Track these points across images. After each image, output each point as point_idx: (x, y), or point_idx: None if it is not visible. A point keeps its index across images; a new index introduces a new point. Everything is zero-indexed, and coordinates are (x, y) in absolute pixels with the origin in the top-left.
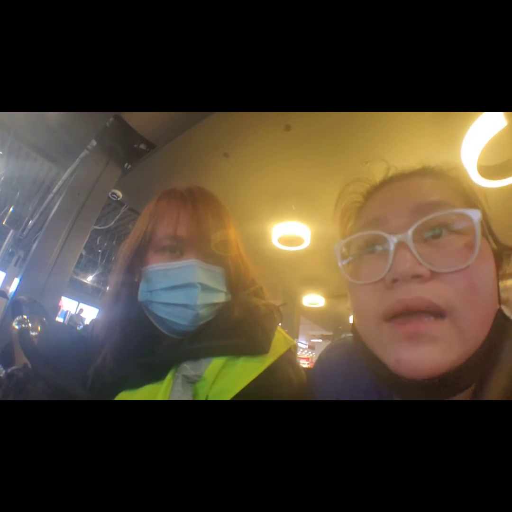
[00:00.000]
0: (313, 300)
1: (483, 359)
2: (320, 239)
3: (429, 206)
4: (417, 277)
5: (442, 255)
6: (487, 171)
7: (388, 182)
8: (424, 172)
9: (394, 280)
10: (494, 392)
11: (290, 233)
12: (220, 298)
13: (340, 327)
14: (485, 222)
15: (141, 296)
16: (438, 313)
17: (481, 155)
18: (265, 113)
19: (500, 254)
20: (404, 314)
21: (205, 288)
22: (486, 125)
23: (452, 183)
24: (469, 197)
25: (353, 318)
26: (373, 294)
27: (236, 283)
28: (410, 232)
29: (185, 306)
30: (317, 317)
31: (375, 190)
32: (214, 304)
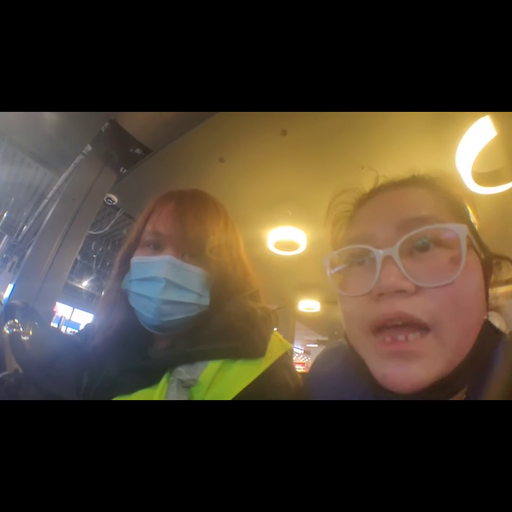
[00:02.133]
0: (308, 305)
1: (468, 369)
2: (316, 244)
3: (416, 221)
4: (401, 292)
5: (428, 269)
6: (482, 178)
7: (377, 192)
8: (414, 182)
9: (380, 294)
10: (488, 397)
11: (286, 238)
12: (191, 298)
13: (336, 333)
14: (473, 233)
15: (123, 284)
16: (421, 327)
17: (476, 161)
18: (262, 118)
19: (488, 263)
20: (389, 327)
21: (172, 284)
22: (481, 132)
23: (441, 194)
24: (458, 208)
25: (344, 327)
26: (361, 306)
27: (225, 286)
28: (396, 247)
29: (148, 298)
30: (312, 322)
31: (365, 199)
32: (183, 304)
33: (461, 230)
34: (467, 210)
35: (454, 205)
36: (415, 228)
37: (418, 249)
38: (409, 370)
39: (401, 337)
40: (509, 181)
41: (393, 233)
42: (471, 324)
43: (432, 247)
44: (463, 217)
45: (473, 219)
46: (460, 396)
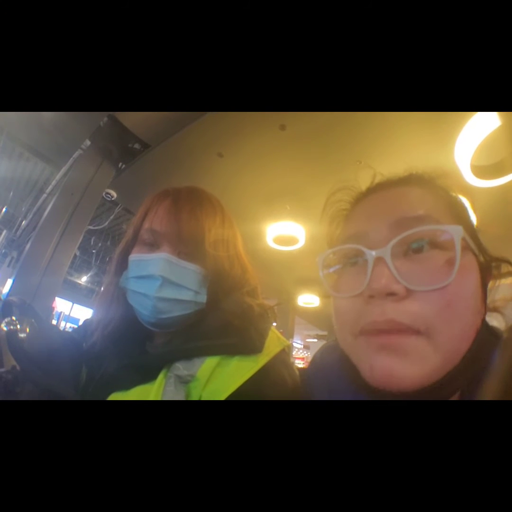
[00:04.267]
0: (308, 299)
1: (462, 374)
2: (314, 239)
3: (411, 220)
4: (392, 295)
5: (421, 271)
6: (481, 171)
7: (373, 190)
8: (412, 181)
9: (371, 296)
10: (484, 395)
11: (284, 233)
12: (188, 296)
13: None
14: (471, 235)
15: (121, 281)
16: (412, 333)
17: (475, 155)
18: (260, 113)
19: (487, 266)
20: (379, 329)
21: (169, 282)
22: (479, 125)
23: (441, 193)
24: (457, 209)
25: (334, 326)
26: (352, 308)
27: (222, 283)
28: (388, 247)
29: (144, 295)
30: (312, 316)
31: (361, 198)
32: (179, 301)
33: (456, 231)
34: (467, 211)
35: (453, 205)
36: (410, 228)
37: (413, 250)
38: (397, 363)
39: (391, 335)
40: (510, 172)
41: (387, 233)
42: (466, 329)
43: (427, 248)
44: (462, 218)
45: (473, 219)
46: (454, 397)
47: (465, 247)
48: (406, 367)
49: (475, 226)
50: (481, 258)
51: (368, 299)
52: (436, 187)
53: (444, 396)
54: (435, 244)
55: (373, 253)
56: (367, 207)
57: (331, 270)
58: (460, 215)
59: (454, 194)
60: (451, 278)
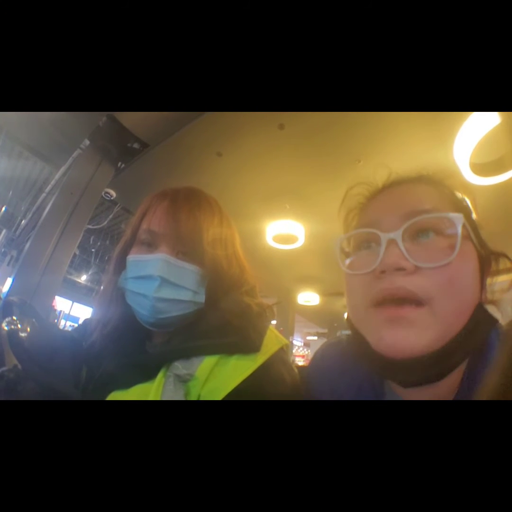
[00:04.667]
0: (308, 298)
1: (460, 346)
2: (314, 237)
3: (419, 213)
4: (401, 269)
5: (427, 253)
6: (480, 169)
7: (388, 187)
8: (422, 179)
9: (382, 271)
10: (486, 392)
11: (284, 231)
12: (186, 296)
13: (335, 325)
14: (472, 228)
15: (119, 282)
16: (417, 302)
17: (474, 152)
18: (259, 112)
19: (487, 259)
20: (388, 300)
21: (167, 282)
22: (478, 123)
23: (446, 191)
24: (460, 205)
25: (347, 304)
26: (364, 283)
27: (220, 283)
28: (400, 231)
29: (143, 296)
30: (312, 314)
31: (376, 193)
32: (178, 301)
33: (457, 219)
34: (470, 209)
35: (458, 202)
36: (418, 217)
37: (420, 236)
38: (402, 334)
39: (397, 306)
40: (510, 169)
41: (398, 221)
42: (463, 305)
43: (432, 235)
44: (465, 213)
45: (474, 216)
46: (456, 379)
47: (466, 237)
48: (410, 336)
49: (476, 223)
50: (481, 250)
51: (379, 274)
52: (443, 186)
53: (444, 370)
54: (439, 232)
55: (386, 235)
56: (382, 200)
57: (347, 261)
58: (463, 211)
59: (458, 194)
60: (452, 256)
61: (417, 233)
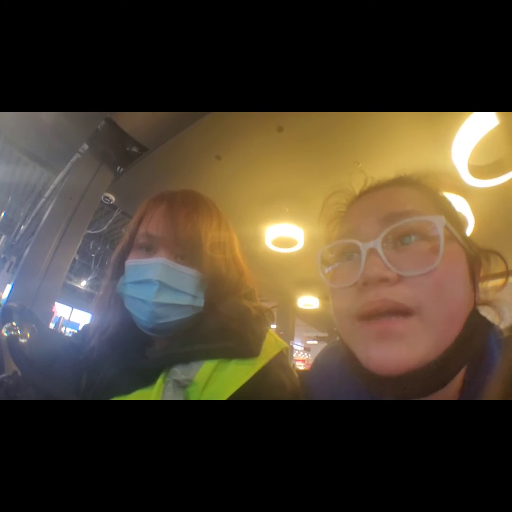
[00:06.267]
0: (308, 301)
1: (457, 355)
2: (313, 241)
3: (399, 215)
4: (384, 280)
5: (410, 259)
6: (478, 171)
7: (365, 192)
8: (400, 182)
9: (365, 284)
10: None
11: (283, 235)
12: (185, 300)
13: (335, 329)
14: (457, 228)
15: (118, 287)
16: (405, 312)
17: (472, 154)
18: (257, 114)
19: (476, 257)
20: (374, 314)
21: (166, 287)
22: (476, 125)
23: (427, 191)
24: (441, 204)
25: (334, 318)
26: (348, 297)
27: (219, 287)
28: (379, 239)
29: (142, 301)
30: (312, 318)
31: (355, 199)
32: (177, 306)
33: (439, 221)
34: (453, 207)
35: (439, 202)
36: (398, 221)
37: (401, 242)
38: (392, 349)
39: (384, 320)
40: (509, 171)
41: (378, 227)
42: (455, 309)
43: (414, 239)
44: (447, 212)
45: (459, 215)
46: (456, 385)
47: (451, 237)
48: (401, 351)
49: (462, 221)
50: (469, 250)
51: (362, 287)
52: (422, 186)
53: (443, 380)
54: (422, 237)
55: (366, 245)
56: (359, 206)
57: (329, 269)
58: (445, 210)
59: (440, 192)
60: (437, 262)
61: (399, 238)
